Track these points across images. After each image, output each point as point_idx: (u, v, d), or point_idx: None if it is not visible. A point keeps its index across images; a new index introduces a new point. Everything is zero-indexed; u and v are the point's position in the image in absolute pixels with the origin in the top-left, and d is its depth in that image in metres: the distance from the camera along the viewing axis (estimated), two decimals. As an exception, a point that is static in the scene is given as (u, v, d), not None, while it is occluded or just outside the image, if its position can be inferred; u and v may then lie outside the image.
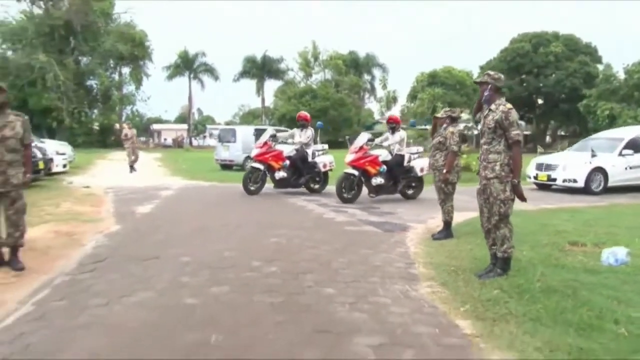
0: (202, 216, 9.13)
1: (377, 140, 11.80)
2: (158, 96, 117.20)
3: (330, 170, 13.14)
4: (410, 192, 12.03)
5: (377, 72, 67.02)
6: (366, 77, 68.56)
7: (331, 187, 12.37)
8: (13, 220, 5.44)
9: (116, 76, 54.07)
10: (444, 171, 7.33)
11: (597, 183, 14.06)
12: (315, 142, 13.29)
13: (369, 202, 11.24)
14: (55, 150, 18.11)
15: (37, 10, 47.13)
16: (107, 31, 49.55)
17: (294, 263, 5.75)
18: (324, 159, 12.96)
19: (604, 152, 14.45)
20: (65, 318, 3.98)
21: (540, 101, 62.13)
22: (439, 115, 7.89)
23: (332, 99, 57.13)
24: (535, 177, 14.96)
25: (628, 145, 14.22)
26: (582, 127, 56.25)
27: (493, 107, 5.20)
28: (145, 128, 67.00)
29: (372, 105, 73.46)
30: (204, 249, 6.42)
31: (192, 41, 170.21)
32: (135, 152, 20.78)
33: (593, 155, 14.05)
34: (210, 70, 62.50)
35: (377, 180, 11.21)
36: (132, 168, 20.18)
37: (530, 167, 15.39)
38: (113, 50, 48.44)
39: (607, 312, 4.02)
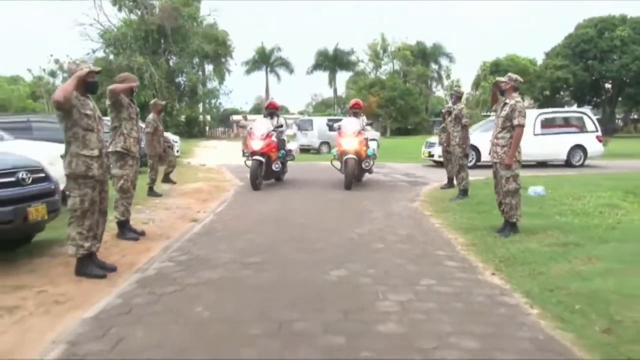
0: (294, 177, 13.70)
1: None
2: (238, 89, 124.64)
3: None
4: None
5: (444, 62, 69.18)
6: (433, 66, 70.73)
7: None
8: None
9: (201, 73, 59.73)
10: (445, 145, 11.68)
11: (469, 159, 15.58)
12: None
13: (408, 170, 15.55)
14: (172, 139, 23.42)
15: (134, 17, 53.27)
16: (193, 32, 54.76)
17: (349, 195, 10.36)
18: (293, 146, 13.28)
19: (485, 131, 15.41)
20: (240, 208, 8.80)
21: (608, 86, 63.03)
22: (443, 110, 12.20)
23: (399, 89, 60.40)
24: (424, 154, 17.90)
25: None
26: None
27: (454, 107, 9.64)
28: (222, 119, 71.73)
29: (440, 93, 76.04)
30: (299, 190, 11.17)
31: (268, 36, 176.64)
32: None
33: None
34: (285, 64, 66.56)
35: (368, 163, 11.54)
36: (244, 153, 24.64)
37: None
38: (199, 49, 53.60)
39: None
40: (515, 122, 6.21)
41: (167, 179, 11.80)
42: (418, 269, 5.05)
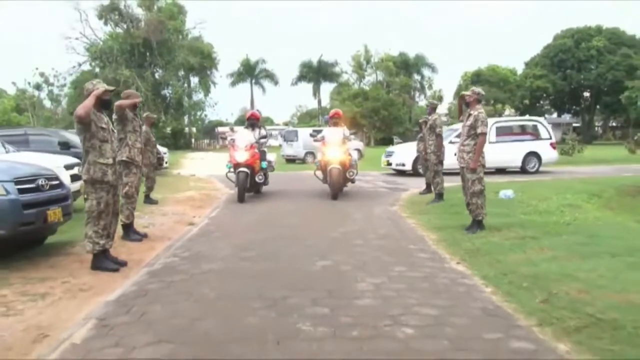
0: (280, 186, 14.42)
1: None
2: (223, 101, 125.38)
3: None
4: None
5: (426, 72, 70.21)
6: (416, 76, 71.73)
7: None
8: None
9: (186, 85, 60.19)
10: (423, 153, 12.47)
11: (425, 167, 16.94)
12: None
13: (386, 177, 16.33)
14: (162, 150, 24.04)
15: (120, 31, 53.76)
16: (179, 46, 55.27)
17: (333, 201, 11.09)
18: (272, 157, 13.13)
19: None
20: (232, 213, 9.48)
21: (586, 94, 64.46)
22: (420, 121, 12.99)
23: (382, 100, 61.22)
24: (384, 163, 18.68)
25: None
26: (627, 117, 59.15)
27: (430, 118, 10.44)
28: (207, 131, 72.04)
29: (423, 103, 76.93)
30: (286, 196, 11.86)
31: (253, 48, 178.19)
32: None
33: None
34: (270, 76, 67.04)
35: (352, 173, 11.66)
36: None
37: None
38: (184, 62, 54.11)
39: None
40: (479, 130, 7.00)
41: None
42: (392, 260, 5.78)
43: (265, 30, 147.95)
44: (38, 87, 61.13)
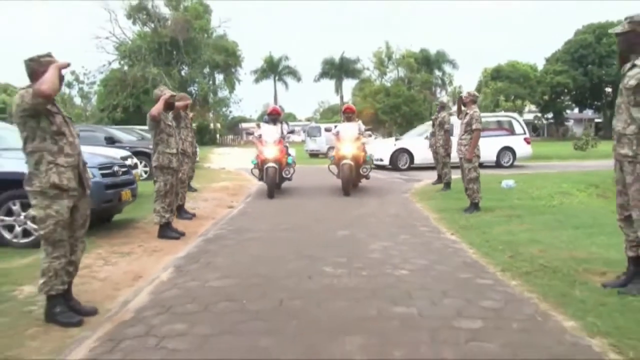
0: (305, 178, 15.76)
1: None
2: (246, 97, 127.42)
3: None
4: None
5: (447, 68, 70.49)
6: (437, 73, 72.14)
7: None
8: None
9: (212, 82, 61.78)
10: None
11: (404, 162, 17.97)
12: None
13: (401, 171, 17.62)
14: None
15: (148, 30, 55.56)
16: (204, 44, 56.89)
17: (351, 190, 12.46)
18: (292, 152, 12.92)
19: (419, 135, 17.96)
20: (265, 200, 10.89)
21: (608, 90, 64.53)
22: (432, 117, 14.27)
23: (403, 96, 62.08)
24: None
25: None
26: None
27: (439, 115, 11.73)
28: (230, 126, 73.42)
29: (444, 100, 77.00)
30: (310, 186, 13.26)
31: (276, 45, 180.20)
32: None
33: (397, 139, 18.64)
34: (293, 73, 68.13)
35: (366, 169, 11.83)
36: None
37: None
38: (210, 60, 55.74)
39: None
40: (474, 126, 8.31)
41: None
42: (399, 231, 7.16)
43: (288, 28, 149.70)
44: (69, 84, 63.04)
